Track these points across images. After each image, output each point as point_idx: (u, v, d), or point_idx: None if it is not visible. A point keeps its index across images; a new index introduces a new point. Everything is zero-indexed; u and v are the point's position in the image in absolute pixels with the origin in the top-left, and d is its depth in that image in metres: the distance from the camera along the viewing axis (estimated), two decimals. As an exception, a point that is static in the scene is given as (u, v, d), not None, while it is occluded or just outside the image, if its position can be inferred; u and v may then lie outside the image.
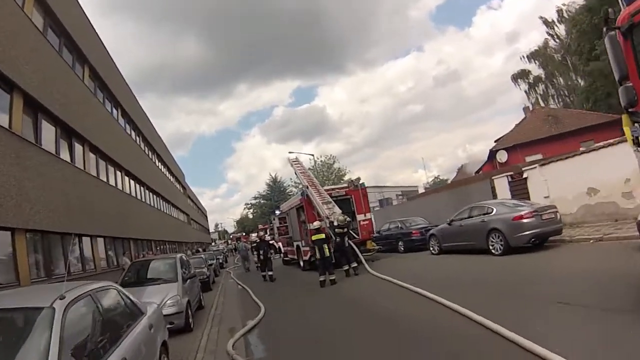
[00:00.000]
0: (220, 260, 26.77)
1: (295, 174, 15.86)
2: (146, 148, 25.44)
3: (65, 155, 11.76)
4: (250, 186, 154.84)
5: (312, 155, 34.13)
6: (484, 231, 9.98)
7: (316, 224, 10.70)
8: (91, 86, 15.09)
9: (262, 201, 65.75)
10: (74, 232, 11.07)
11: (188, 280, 7.99)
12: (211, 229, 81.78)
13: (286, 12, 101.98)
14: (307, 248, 13.49)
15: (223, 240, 73.10)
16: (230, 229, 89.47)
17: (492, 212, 10.13)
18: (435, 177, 72.45)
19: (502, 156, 24.70)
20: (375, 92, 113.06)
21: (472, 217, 10.72)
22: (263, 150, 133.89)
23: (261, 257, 14.25)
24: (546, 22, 37.93)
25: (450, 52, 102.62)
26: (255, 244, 15.63)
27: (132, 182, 19.60)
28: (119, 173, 17.40)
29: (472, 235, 10.46)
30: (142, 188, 21.78)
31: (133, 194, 19.74)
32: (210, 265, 16.41)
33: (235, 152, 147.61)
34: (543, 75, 40.37)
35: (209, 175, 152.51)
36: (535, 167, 13.32)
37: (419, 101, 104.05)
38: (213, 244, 60.78)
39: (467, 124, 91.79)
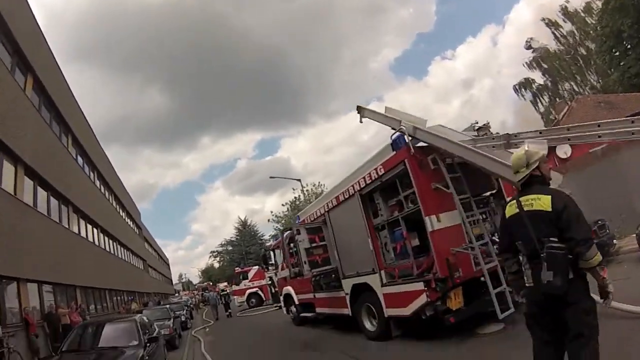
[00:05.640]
0: (184, 318, 17.40)
1: (381, 119, 6.90)
2: (78, 155, 17.49)
3: None
4: (214, 238, 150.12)
5: (299, 180, 26.58)
6: None
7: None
8: None
9: (229, 248, 57.05)
10: None
11: None
12: (175, 280, 71.87)
13: (249, 65, 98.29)
14: (413, 286, 5.47)
15: (187, 292, 62.39)
16: (195, 279, 79.40)
17: None
18: None
19: (565, 149, 19.08)
20: (339, 142, 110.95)
21: None
22: (226, 202, 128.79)
23: None
24: (550, 23, 34.70)
25: (410, 100, 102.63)
26: None
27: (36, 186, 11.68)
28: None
29: None
30: (60, 203, 13.77)
31: (41, 209, 11.81)
32: (152, 340, 5.93)
33: (200, 204, 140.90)
34: (549, 83, 36.88)
35: (173, 228, 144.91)
36: None
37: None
38: (176, 294, 50.49)
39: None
